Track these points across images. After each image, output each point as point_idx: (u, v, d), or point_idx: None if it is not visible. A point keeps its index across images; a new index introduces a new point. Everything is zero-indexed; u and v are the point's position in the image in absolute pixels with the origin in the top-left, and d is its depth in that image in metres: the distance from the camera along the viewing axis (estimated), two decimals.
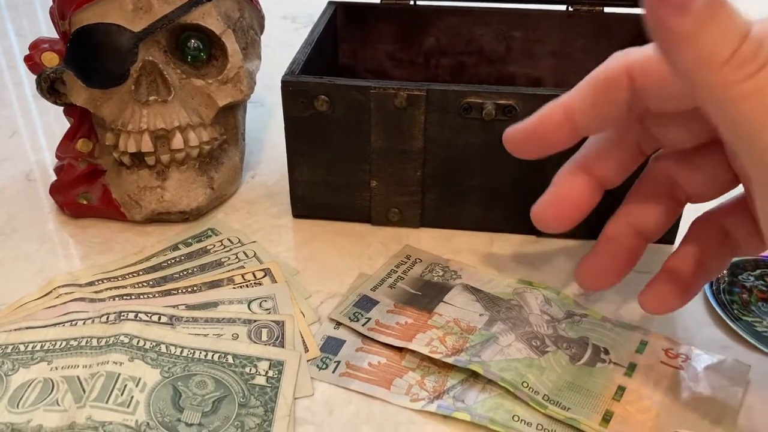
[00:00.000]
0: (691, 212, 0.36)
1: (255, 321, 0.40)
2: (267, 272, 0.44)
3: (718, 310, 0.41)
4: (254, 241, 0.48)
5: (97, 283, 0.43)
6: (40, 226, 0.50)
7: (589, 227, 0.47)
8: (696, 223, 0.35)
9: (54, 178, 0.52)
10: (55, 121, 0.65)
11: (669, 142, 0.32)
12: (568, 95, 0.31)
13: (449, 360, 0.37)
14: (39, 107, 0.68)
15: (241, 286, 0.43)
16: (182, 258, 0.46)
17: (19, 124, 0.65)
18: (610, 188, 0.34)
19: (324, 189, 0.48)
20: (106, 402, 0.34)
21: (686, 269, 0.34)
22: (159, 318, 0.40)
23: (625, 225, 0.35)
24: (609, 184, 0.34)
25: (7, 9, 0.94)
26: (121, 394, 0.35)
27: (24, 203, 0.53)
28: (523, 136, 0.33)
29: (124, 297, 0.42)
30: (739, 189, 0.33)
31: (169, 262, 0.45)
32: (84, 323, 0.39)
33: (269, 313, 0.41)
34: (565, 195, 0.33)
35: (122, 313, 0.40)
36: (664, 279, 0.35)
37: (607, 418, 0.35)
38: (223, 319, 0.40)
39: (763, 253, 0.46)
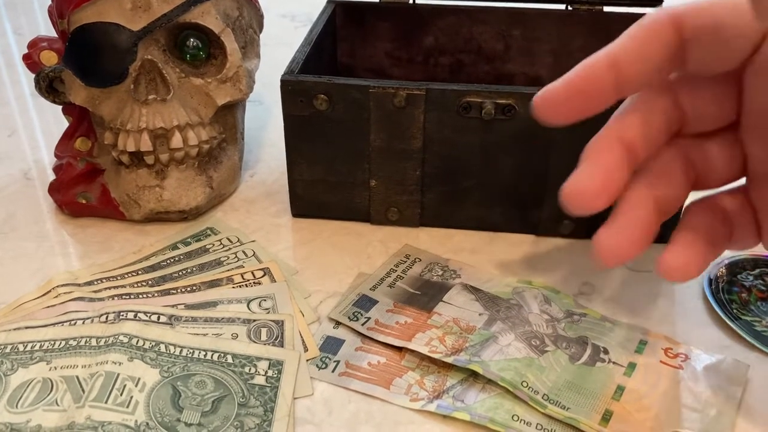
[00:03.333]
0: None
1: (254, 320, 0.40)
2: (266, 271, 0.44)
3: (717, 310, 0.41)
4: (253, 241, 0.48)
5: (96, 282, 0.43)
6: (39, 225, 0.50)
7: (589, 227, 0.47)
8: (692, 206, 0.34)
9: (53, 177, 0.51)
10: (53, 120, 0.64)
11: (694, 118, 0.32)
12: (612, 45, 0.30)
13: (449, 359, 0.37)
14: (37, 106, 0.68)
15: (240, 286, 0.43)
16: (181, 257, 0.46)
17: (18, 123, 0.65)
18: (637, 165, 0.33)
19: (323, 188, 0.48)
20: (106, 402, 0.34)
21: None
22: (158, 317, 0.40)
23: (645, 188, 0.32)
24: (637, 158, 0.32)
25: (5, 7, 0.94)
26: (121, 394, 0.35)
27: (23, 202, 0.52)
28: (563, 93, 0.30)
29: (123, 296, 0.42)
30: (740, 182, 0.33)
31: (168, 262, 0.45)
32: (83, 323, 0.39)
33: (268, 312, 0.41)
34: (600, 164, 0.31)
35: (121, 313, 0.39)
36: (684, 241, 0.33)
37: (606, 417, 0.35)
38: (223, 318, 0.40)
39: (763, 253, 0.46)
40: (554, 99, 0.30)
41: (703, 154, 0.33)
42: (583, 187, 0.31)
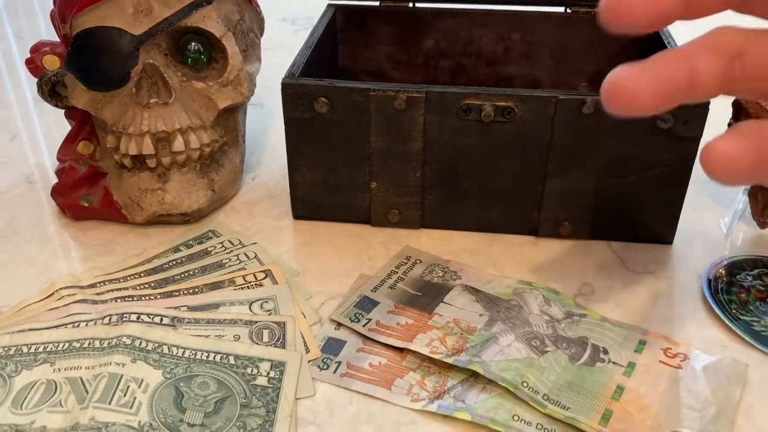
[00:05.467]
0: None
1: (256, 322, 0.40)
2: (268, 273, 0.44)
3: (717, 310, 0.42)
4: (255, 243, 0.48)
5: (98, 284, 0.44)
6: (42, 228, 0.50)
7: (589, 228, 0.47)
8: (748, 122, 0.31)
9: (55, 180, 0.52)
10: (54, 124, 0.65)
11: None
12: None
13: (449, 360, 0.37)
14: (38, 110, 0.68)
15: (242, 288, 0.43)
16: (183, 260, 0.46)
17: (19, 126, 0.65)
18: (686, 16, 0.30)
19: (324, 190, 0.49)
20: (109, 403, 0.34)
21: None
22: (161, 319, 0.40)
23: (684, 58, 0.29)
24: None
25: (6, 12, 0.95)
26: (124, 395, 0.35)
27: (25, 206, 0.53)
28: None
29: (126, 299, 0.42)
30: None
31: (170, 264, 0.46)
32: (86, 325, 0.39)
33: (270, 314, 0.41)
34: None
35: (124, 315, 0.40)
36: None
37: (606, 417, 0.35)
38: (225, 320, 0.40)
39: (762, 254, 0.46)
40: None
41: (759, 57, 0.29)
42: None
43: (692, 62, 0.29)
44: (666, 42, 0.50)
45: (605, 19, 0.28)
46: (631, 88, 0.26)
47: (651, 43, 0.51)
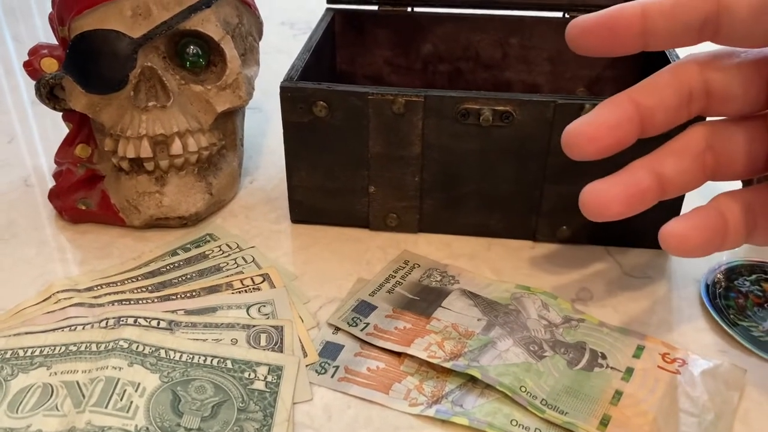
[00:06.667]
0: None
1: (254, 326, 0.40)
2: (265, 277, 0.44)
3: (715, 315, 0.42)
4: (253, 247, 0.48)
5: (96, 288, 0.43)
6: (39, 231, 0.50)
7: (588, 233, 0.48)
8: (719, 198, 0.33)
9: (52, 183, 0.52)
10: (52, 127, 0.65)
11: (719, 99, 0.31)
12: None
13: (447, 365, 0.37)
14: (36, 112, 0.68)
15: (239, 291, 0.43)
16: (181, 263, 0.46)
17: (17, 129, 0.65)
18: (647, 133, 0.32)
19: (322, 194, 0.49)
20: (106, 407, 0.34)
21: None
22: (158, 323, 0.40)
23: (648, 163, 0.32)
24: (649, 125, 0.32)
25: (4, 14, 0.95)
26: (121, 399, 0.35)
27: (23, 208, 0.53)
28: (592, 24, 0.31)
29: (123, 302, 0.42)
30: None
31: (167, 267, 0.46)
32: (83, 328, 0.39)
33: (268, 318, 0.41)
34: (605, 116, 0.31)
35: (121, 318, 0.40)
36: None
37: (604, 422, 0.35)
38: (222, 324, 0.40)
39: (760, 259, 0.46)
40: (584, 27, 0.31)
41: (727, 142, 0.32)
42: (579, 131, 0.31)
43: (656, 166, 0.33)
44: (666, 52, 0.50)
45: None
46: (600, 200, 0.31)
47: (648, 52, 0.51)
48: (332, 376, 0.38)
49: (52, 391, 0.35)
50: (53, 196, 0.51)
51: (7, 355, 0.37)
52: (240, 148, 0.54)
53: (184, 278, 0.45)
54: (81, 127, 0.50)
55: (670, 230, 0.31)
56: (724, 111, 0.32)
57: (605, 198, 0.31)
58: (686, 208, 0.48)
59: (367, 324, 0.41)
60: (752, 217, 0.32)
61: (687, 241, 0.31)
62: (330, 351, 0.39)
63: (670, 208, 0.46)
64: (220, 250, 0.47)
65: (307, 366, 0.38)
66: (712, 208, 0.32)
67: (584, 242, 0.48)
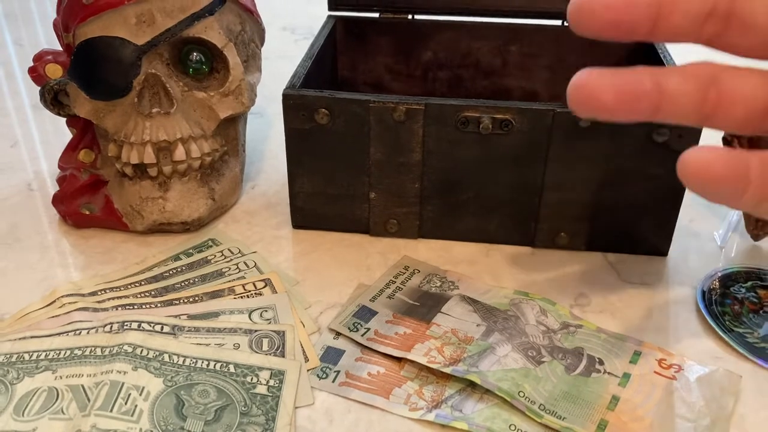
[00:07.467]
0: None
1: (256, 331, 0.41)
2: (267, 282, 0.45)
3: (711, 322, 0.42)
4: (254, 252, 0.48)
5: (99, 292, 0.44)
6: (42, 236, 0.50)
7: (586, 239, 0.48)
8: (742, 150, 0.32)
9: (55, 188, 0.52)
10: (53, 132, 0.65)
11: (738, 26, 0.28)
12: None
13: (447, 370, 0.38)
14: (37, 117, 0.68)
15: (241, 296, 0.44)
16: (183, 268, 0.46)
17: (18, 133, 0.65)
18: (658, 31, 0.30)
19: (323, 200, 0.49)
20: (111, 410, 0.35)
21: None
22: (162, 328, 0.40)
23: (653, 71, 0.30)
24: (664, 20, 0.28)
25: (5, 19, 0.95)
26: (125, 403, 0.35)
27: (26, 213, 0.53)
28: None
29: (127, 307, 0.42)
30: None
31: (170, 272, 0.46)
32: (88, 333, 0.40)
33: (270, 323, 0.42)
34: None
35: (125, 323, 0.40)
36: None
37: (601, 427, 0.35)
38: (225, 329, 0.41)
39: (755, 266, 0.47)
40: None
41: (735, 82, 0.30)
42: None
43: (660, 77, 0.30)
44: (662, 56, 0.51)
45: (571, 21, 0.29)
46: (593, 84, 0.27)
47: (648, 57, 0.52)
48: (333, 381, 0.38)
49: (58, 395, 0.36)
50: (57, 200, 0.51)
51: (13, 359, 0.38)
52: (242, 154, 0.55)
53: (186, 283, 0.45)
54: (84, 133, 0.51)
55: (693, 155, 0.27)
56: (738, 44, 0.30)
57: (598, 84, 0.28)
58: (683, 217, 0.48)
59: (368, 329, 0.41)
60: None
61: (710, 169, 0.28)
62: (331, 356, 0.40)
63: (666, 216, 0.47)
64: (222, 255, 0.48)
65: (308, 370, 0.39)
66: (737, 151, 0.30)
67: (582, 249, 0.49)
